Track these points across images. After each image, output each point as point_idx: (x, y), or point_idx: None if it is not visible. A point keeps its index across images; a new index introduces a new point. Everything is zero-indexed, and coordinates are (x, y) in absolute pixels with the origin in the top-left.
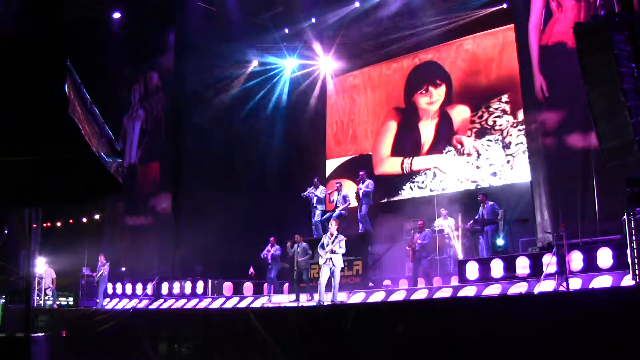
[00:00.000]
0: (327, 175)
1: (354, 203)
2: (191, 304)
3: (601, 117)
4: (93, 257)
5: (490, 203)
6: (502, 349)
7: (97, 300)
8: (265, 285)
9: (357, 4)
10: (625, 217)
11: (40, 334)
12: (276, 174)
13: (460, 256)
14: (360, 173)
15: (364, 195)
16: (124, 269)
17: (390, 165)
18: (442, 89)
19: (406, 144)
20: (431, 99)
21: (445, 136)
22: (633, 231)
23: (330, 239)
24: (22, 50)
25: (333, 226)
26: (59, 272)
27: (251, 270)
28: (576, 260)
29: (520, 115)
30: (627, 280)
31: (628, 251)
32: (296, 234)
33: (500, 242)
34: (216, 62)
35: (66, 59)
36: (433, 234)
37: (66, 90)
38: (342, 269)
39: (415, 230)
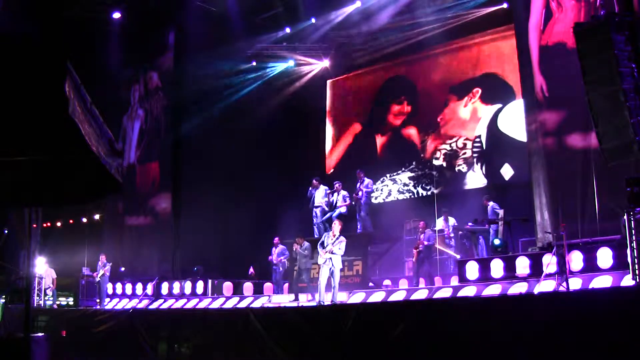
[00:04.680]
0: (327, 175)
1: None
2: (191, 304)
3: (601, 117)
4: (93, 257)
5: (492, 204)
6: (502, 349)
7: (98, 301)
8: (267, 285)
9: (358, 3)
10: (625, 217)
11: (40, 334)
12: (276, 174)
13: (458, 257)
14: (358, 173)
15: (364, 195)
16: (123, 269)
17: None
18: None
19: None
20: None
21: None
22: (633, 231)
23: (331, 239)
24: (22, 50)
25: (336, 226)
26: (59, 272)
27: (251, 270)
28: (576, 260)
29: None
30: (627, 280)
31: (628, 251)
32: (297, 236)
33: (496, 241)
34: (216, 62)
35: (66, 59)
36: (434, 234)
37: (66, 90)
38: (342, 269)
39: (419, 231)
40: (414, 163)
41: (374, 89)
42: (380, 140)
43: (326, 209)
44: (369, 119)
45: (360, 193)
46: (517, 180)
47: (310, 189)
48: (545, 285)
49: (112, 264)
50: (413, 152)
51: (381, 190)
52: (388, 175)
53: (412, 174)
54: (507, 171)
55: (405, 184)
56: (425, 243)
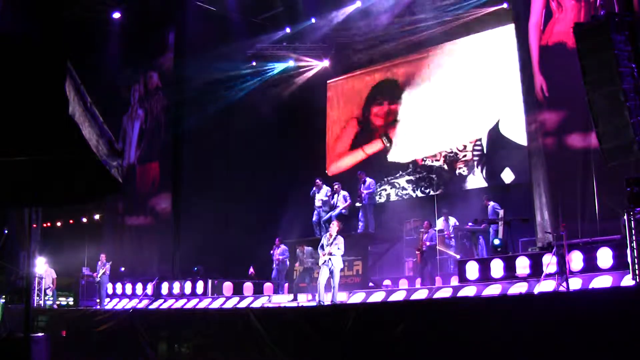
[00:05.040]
0: (328, 176)
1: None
2: (191, 304)
3: (601, 117)
4: (93, 257)
5: (492, 204)
6: (502, 349)
7: (98, 301)
8: (267, 285)
9: (358, 3)
10: (625, 217)
11: (40, 334)
12: (276, 174)
13: (458, 257)
14: (360, 174)
15: (366, 196)
16: (123, 269)
17: None
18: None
19: None
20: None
21: None
22: (633, 231)
23: (329, 240)
24: (22, 50)
25: (334, 227)
26: (59, 272)
27: (251, 270)
28: (576, 260)
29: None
30: (627, 280)
31: (628, 251)
32: (298, 240)
33: (496, 241)
34: (216, 62)
35: (66, 59)
36: (436, 234)
37: (66, 90)
38: (342, 269)
39: (422, 231)
40: (410, 166)
41: (373, 89)
42: (378, 140)
43: (324, 208)
44: (368, 119)
45: (363, 194)
46: (517, 181)
47: (313, 189)
48: (545, 285)
49: (113, 264)
50: (412, 155)
51: (380, 194)
52: (386, 178)
53: (411, 177)
54: (507, 175)
55: (403, 188)
56: (428, 244)
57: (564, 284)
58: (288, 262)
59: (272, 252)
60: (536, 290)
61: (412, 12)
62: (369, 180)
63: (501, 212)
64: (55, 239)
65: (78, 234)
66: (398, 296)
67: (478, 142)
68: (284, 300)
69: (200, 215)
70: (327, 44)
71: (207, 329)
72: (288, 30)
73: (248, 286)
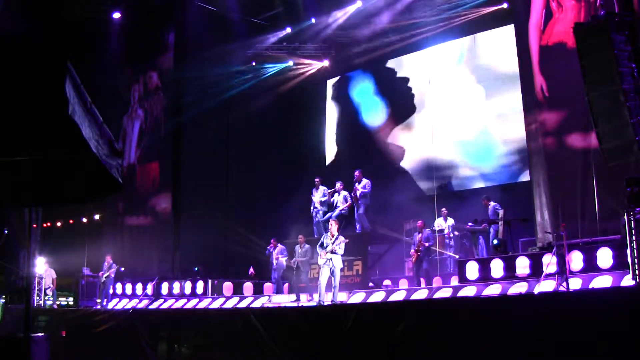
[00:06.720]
0: (328, 175)
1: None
2: (191, 304)
3: (601, 117)
4: (93, 257)
5: (493, 204)
6: (502, 349)
7: (98, 301)
8: (267, 285)
9: (359, 3)
10: (625, 217)
11: (40, 334)
12: (276, 174)
13: (457, 257)
14: (356, 173)
15: (361, 196)
16: (123, 269)
17: None
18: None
19: None
20: None
21: None
22: (633, 231)
23: (331, 239)
24: (22, 50)
25: (333, 226)
26: (59, 272)
27: (251, 270)
28: (576, 260)
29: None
30: (627, 280)
31: (628, 251)
32: (299, 235)
33: (495, 242)
34: (216, 62)
35: (66, 59)
36: (433, 233)
37: (66, 90)
38: (342, 269)
39: (416, 230)
40: (407, 166)
41: (372, 88)
42: (377, 140)
43: (322, 208)
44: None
45: (358, 193)
46: (517, 180)
47: (313, 190)
48: (545, 285)
49: (119, 267)
50: (412, 153)
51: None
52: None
53: (411, 175)
54: (506, 175)
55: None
56: (426, 244)
57: (564, 284)
58: (285, 262)
59: (268, 251)
60: (536, 290)
61: (412, 12)
62: (365, 180)
63: (501, 212)
64: (55, 239)
65: (78, 234)
66: (398, 296)
67: (478, 142)
68: (284, 300)
69: (200, 215)
70: (327, 44)
71: (207, 329)
72: (288, 30)
73: (248, 286)
